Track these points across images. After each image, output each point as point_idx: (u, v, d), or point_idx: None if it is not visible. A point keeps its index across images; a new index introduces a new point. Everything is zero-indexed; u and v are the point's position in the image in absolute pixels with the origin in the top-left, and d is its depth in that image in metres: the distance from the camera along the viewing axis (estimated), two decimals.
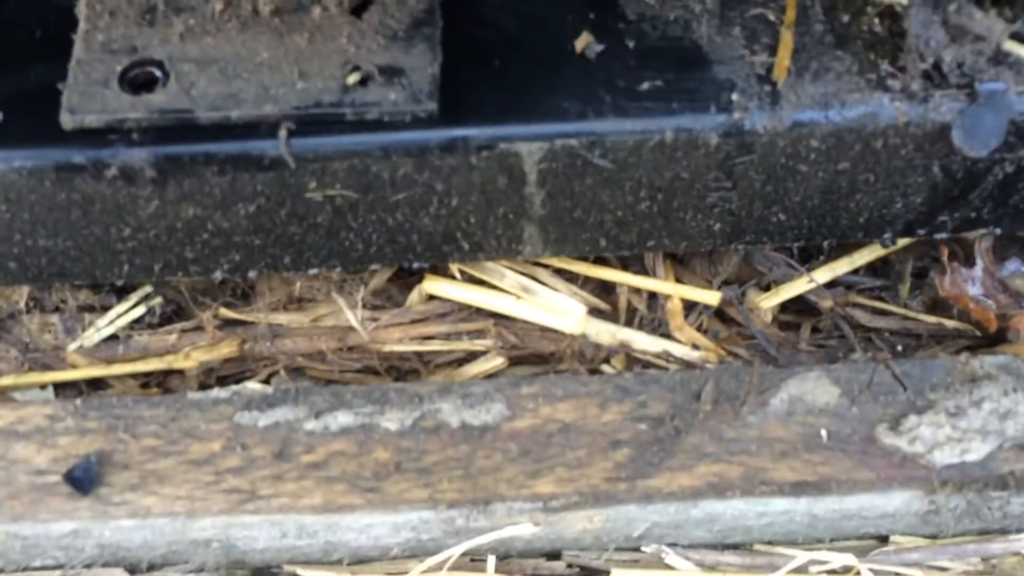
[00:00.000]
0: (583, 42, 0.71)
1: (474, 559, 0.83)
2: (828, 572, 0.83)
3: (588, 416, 0.74)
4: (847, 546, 0.84)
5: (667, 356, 0.81)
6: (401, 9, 0.67)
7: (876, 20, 0.71)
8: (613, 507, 0.74)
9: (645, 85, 0.69)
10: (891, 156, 0.70)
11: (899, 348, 0.85)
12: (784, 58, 0.69)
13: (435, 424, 0.74)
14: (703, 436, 0.73)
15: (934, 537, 0.78)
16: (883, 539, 0.85)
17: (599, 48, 0.71)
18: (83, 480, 0.71)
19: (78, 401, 0.74)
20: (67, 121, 0.64)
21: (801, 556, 0.81)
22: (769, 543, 0.85)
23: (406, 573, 0.80)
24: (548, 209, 0.74)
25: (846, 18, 0.71)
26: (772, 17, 0.72)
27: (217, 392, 0.75)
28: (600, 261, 0.86)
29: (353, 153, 0.68)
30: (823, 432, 0.73)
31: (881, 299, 0.87)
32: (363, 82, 0.66)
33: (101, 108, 0.64)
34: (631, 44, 0.71)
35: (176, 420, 0.74)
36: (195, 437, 0.73)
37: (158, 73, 0.66)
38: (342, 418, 0.74)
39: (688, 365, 0.81)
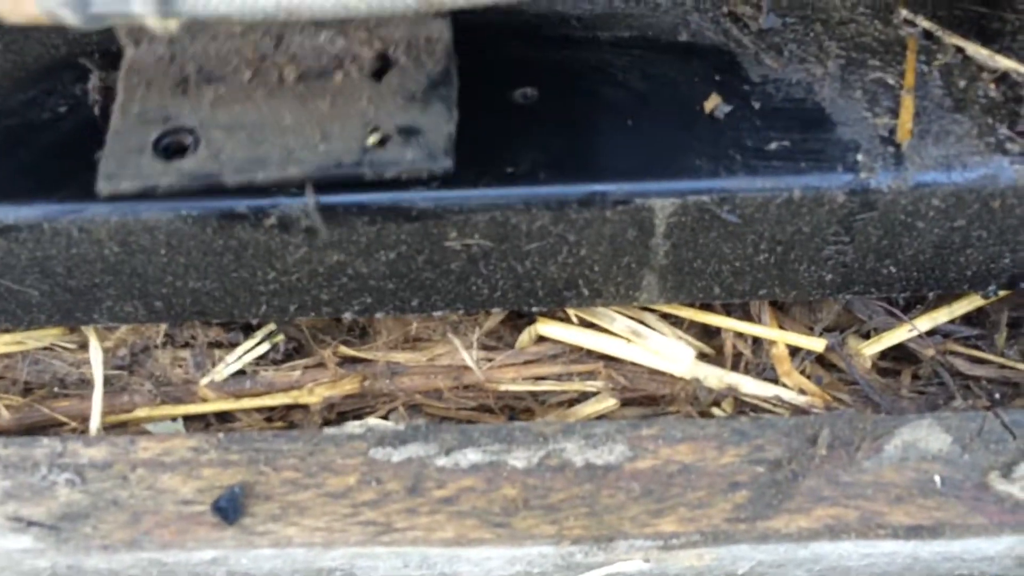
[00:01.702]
0: (712, 103, 0.75)
1: None
2: None
3: (707, 458, 0.77)
4: None
5: (777, 401, 0.84)
6: (419, 71, 0.70)
7: (992, 85, 0.74)
8: (727, 546, 0.77)
9: (773, 145, 0.73)
10: (1006, 215, 0.74)
11: (997, 396, 0.88)
12: (907, 120, 0.72)
13: (560, 463, 0.77)
14: (819, 480, 0.76)
15: None
16: None
17: (727, 109, 0.75)
18: (228, 510, 0.74)
19: (220, 435, 0.78)
20: (103, 188, 0.68)
21: None
22: None
23: None
24: (670, 259, 0.78)
25: (963, 83, 0.75)
26: (891, 81, 0.75)
27: (351, 428, 0.79)
28: (705, 307, 0.89)
29: (495, 206, 0.72)
30: (937, 478, 0.75)
31: (978, 348, 0.89)
32: (382, 142, 0.68)
33: (135, 175, 0.68)
34: (757, 105, 0.75)
35: (313, 454, 0.77)
36: (332, 471, 0.77)
37: (189, 140, 0.69)
38: (471, 455, 0.77)
39: (797, 410, 0.85)
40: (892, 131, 0.73)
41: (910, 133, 0.72)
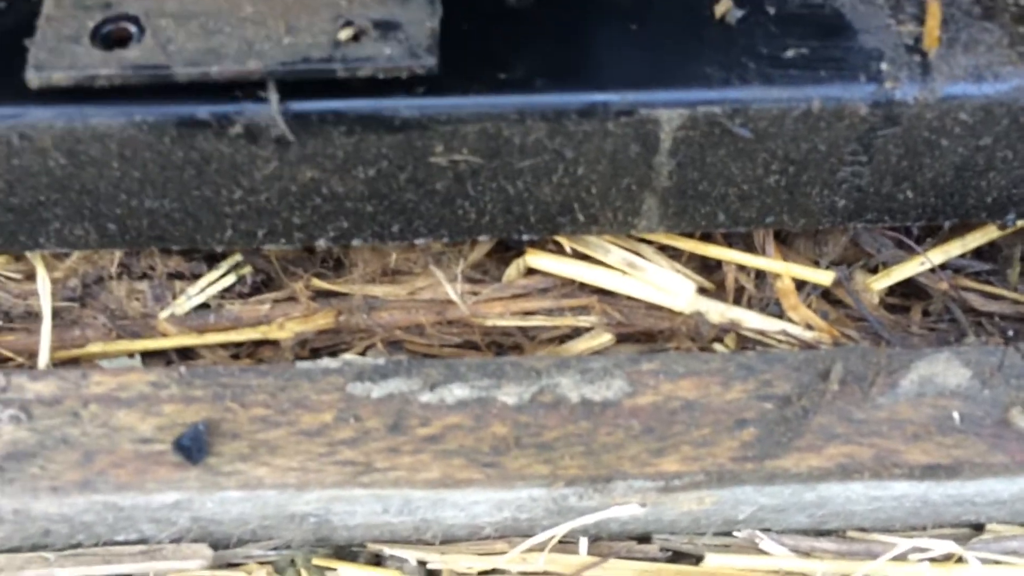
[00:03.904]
0: (723, 7, 0.68)
1: (564, 542, 0.81)
2: (929, 560, 0.81)
3: (711, 394, 0.72)
4: (943, 534, 0.83)
5: (783, 336, 0.79)
6: None
7: None
8: (730, 488, 0.72)
9: (790, 53, 0.67)
10: None
11: (1010, 333, 0.83)
12: (934, 28, 0.66)
13: (554, 399, 0.72)
14: (832, 417, 0.71)
15: None
16: (978, 528, 0.83)
17: (739, 14, 0.68)
18: (191, 449, 0.68)
19: (183, 368, 0.71)
20: (32, 78, 0.60)
21: (902, 543, 0.79)
22: (863, 530, 0.83)
23: (495, 554, 0.78)
24: (674, 180, 0.72)
25: None
26: None
27: (327, 362, 0.72)
28: (705, 239, 0.84)
29: (487, 116, 0.65)
30: (955, 414, 0.71)
31: (990, 283, 0.85)
32: (356, 37, 0.61)
33: (70, 64, 0.60)
34: (772, 10, 0.69)
35: (285, 390, 0.71)
36: (306, 407, 0.70)
37: (132, 29, 0.62)
38: (458, 391, 0.71)
39: (804, 346, 0.79)
40: (918, 39, 0.67)
41: (937, 41, 0.66)
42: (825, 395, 0.71)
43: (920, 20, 0.68)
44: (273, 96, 0.61)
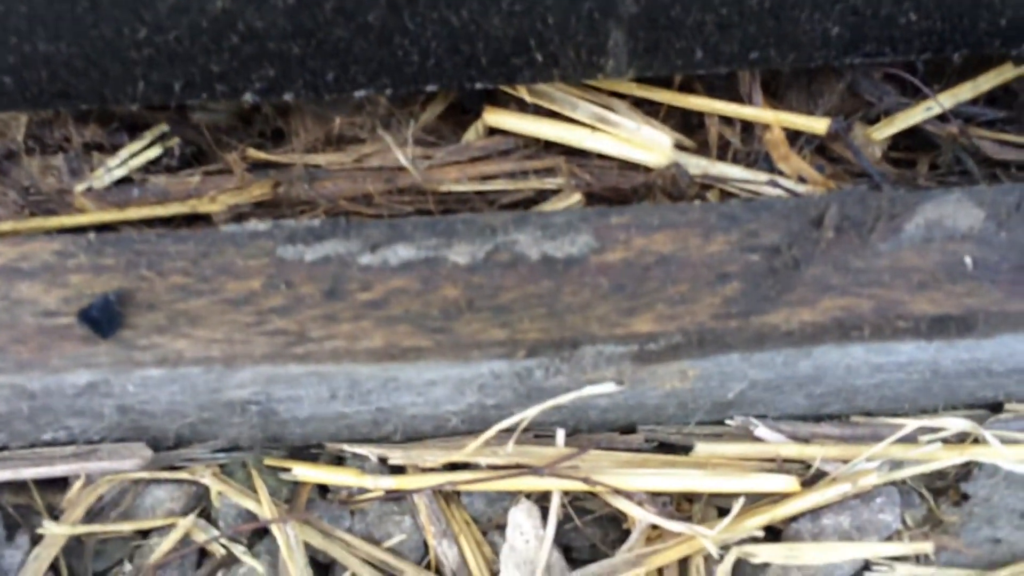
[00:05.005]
0: None
1: (540, 435, 0.73)
2: (941, 441, 0.74)
3: (690, 247, 0.63)
4: (956, 415, 0.75)
5: (773, 187, 0.70)
6: None
7: None
8: (714, 357, 0.64)
9: None
10: None
11: None
12: None
13: (511, 257, 0.63)
14: (826, 267, 0.62)
15: None
16: (996, 408, 0.75)
17: None
18: (101, 321, 0.60)
19: (91, 235, 0.63)
20: None
21: (911, 423, 0.71)
22: (868, 414, 0.75)
23: (464, 448, 0.70)
24: (642, 4, 0.63)
25: None
26: None
27: (255, 225, 0.64)
28: (686, 80, 0.75)
29: None
30: (968, 259, 0.62)
31: (1005, 131, 0.76)
32: None
33: None
34: None
35: (208, 256, 0.63)
36: (231, 274, 0.62)
37: None
38: (402, 252, 0.63)
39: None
40: None
41: None
42: (819, 243, 0.63)
43: None
44: None
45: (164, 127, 0.75)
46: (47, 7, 0.59)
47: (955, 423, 0.71)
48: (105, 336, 0.60)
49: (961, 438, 0.73)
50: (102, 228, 0.73)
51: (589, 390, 0.66)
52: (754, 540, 0.67)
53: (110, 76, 0.64)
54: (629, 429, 0.73)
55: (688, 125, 0.77)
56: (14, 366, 0.60)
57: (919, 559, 0.70)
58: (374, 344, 0.61)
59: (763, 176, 0.71)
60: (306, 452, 0.74)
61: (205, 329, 0.61)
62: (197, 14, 0.60)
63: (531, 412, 0.66)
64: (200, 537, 0.69)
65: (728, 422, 0.72)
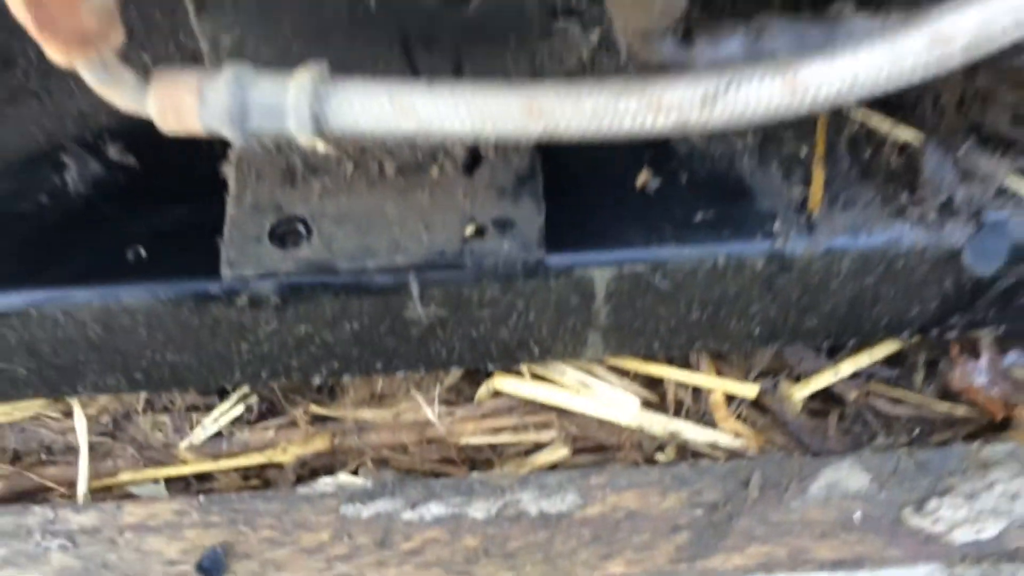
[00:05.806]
0: (643, 178, 0.82)
1: None
2: None
3: (651, 503, 0.84)
4: None
5: (714, 446, 0.92)
6: (507, 167, 0.77)
7: (895, 155, 0.82)
8: None
9: (699, 216, 0.80)
10: (910, 274, 0.82)
11: (915, 432, 0.96)
12: (817, 191, 0.80)
13: (517, 513, 0.84)
14: (752, 520, 0.83)
15: None
16: None
17: (656, 184, 0.82)
18: (212, 570, 0.80)
19: (201, 497, 0.84)
20: (227, 274, 0.74)
21: None
22: None
23: None
24: (611, 320, 0.85)
25: (868, 153, 0.83)
26: (803, 154, 0.83)
27: (323, 486, 0.85)
28: (649, 358, 0.97)
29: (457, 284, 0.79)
30: (857, 515, 0.83)
31: (899, 386, 0.97)
32: (479, 233, 0.74)
33: (256, 262, 0.73)
34: (684, 178, 0.83)
35: (288, 513, 0.84)
36: (306, 528, 0.83)
37: (301, 228, 0.75)
38: (435, 508, 0.84)
39: (733, 453, 0.92)
40: (805, 200, 0.81)
41: (820, 201, 0.80)
42: (746, 501, 0.83)
43: (808, 182, 0.82)
44: (415, 286, 0.74)
45: (246, 389, 0.96)
46: (178, 335, 0.81)
47: None
48: None
49: None
50: (200, 476, 0.94)
51: None
52: None
53: (215, 372, 0.86)
54: None
55: (652, 381, 0.99)
56: None
57: None
58: None
59: (708, 435, 0.92)
60: None
61: (287, 573, 0.81)
62: (285, 334, 0.82)
63: None
64: None
65: None
